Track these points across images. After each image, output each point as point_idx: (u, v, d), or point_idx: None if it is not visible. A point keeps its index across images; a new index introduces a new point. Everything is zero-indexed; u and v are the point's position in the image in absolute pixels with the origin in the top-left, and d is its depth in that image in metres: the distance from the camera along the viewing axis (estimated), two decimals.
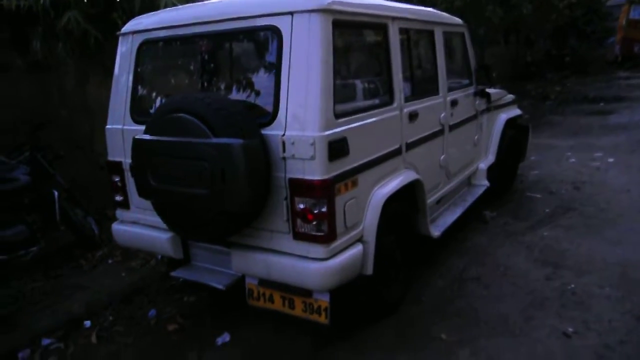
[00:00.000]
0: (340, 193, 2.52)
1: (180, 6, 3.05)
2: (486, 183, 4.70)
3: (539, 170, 6.29)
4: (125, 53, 3.09)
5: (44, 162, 4.20)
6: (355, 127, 2.62)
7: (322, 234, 2.46)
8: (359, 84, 3.13)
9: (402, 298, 3.34)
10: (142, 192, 2.69)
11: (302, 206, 2.46)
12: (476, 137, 4.57)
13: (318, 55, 2.39)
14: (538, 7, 12.84)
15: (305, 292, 2.64)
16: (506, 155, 5.20)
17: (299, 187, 2.45)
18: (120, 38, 3.13)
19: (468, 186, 4.72)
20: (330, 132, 2.42)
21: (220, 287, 2.88)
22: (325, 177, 2.41)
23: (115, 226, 3.30)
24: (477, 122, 4.57)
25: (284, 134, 2.44)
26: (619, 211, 4.67)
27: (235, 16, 2.63)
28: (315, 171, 2.40)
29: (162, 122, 2.54)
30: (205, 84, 2.95)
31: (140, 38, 3.02)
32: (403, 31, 3.21)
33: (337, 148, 2.47)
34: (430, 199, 3.68)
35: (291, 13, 2.44)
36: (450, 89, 3.94)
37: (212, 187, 2.37)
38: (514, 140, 5.40)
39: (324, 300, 2.62)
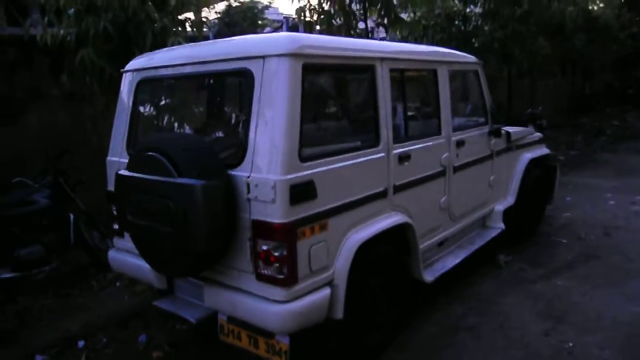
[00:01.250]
0: (304, 237, 2.50)
1: (176, 46, 3.19)
2: (501, 226, 4.50)
3: (572, 212, 5.95)
4: (125, 90, 3.26)
5: (66, 186, 4.47)
6: (326, 170, 2.60)
7: (282, 276, 2.45)
8: (337, 127, 3.12)
9: (387, 343, 3.24)
10: (121, 225, 2.81)
11: (263, 248, 2.47)
12: (492, 177, 4.40)
13: (284, 99, 2.42)
14: (595, 38, 12.32)
15: (268, 333, 2.62)
16: (529, 196, 4.96)
17: (261, 229, 2.46)
18: (123, 75, 3.32)
19: (482, 228, 4.54)
20: (293, 175, 2.43)
21: (192, 320, 2.92)
22: (286, 220, 2.41)
23: (111, 253, 3.44)
24: (493, 162, 4.41)
25: (249, 176, 2.47)
26: None
27: (215, 58, 2.72)
28: (276, 214, 2.41)
29: (139, 159, 2.65)
30: (189, 123, 3.05)
31: (138, 76, 3.19)
32: (395, 71, 3.19)
33: (301, 192, 2.47)
34: (428, 242, 3.58)
35: (263, 57, 2.50)
36: (457, 129, 3.84)
37: (175, 225, 2.43)
38: (540, 180, 5.15)
39: (284, 343, 2.59)
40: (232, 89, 2.90)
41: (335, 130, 3.03)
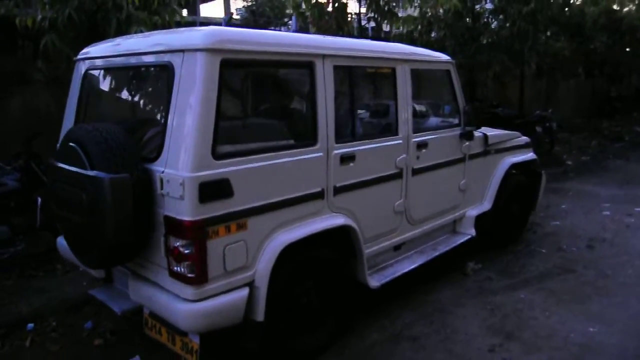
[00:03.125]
0: (217, 235, 2.44)
1: (118, 37, 3.16)
2: (471, 232, 4.34)
3: (562, 221, 5.71)
4: (75, 79, 3.25)
5: (38, 169, 4.53)
6: (246, 168, 2.53)
7: (192, 275, 2.40)
8: (266, 125, 3.02)
9: (323, 348, 3.16)
10: (47, 214, 2.81)
11: (174, 245, 2.42)
12: (463, 181, 4.24)
13: (198, 94, 2.36)
14: (619, 40, 11.79)
15: (182, 331, 2.59)
16: (509, 202, 4.78)
17: (172, 225, 2.42)
18: (75, 64, 3.31)
19: (452, 233, 4.39)
20: (204, 173, 2.36)
21: (117, 311, 2.91)
22: (194, 218, 2.35)
23: (59, 239, 3.46)
24: (465, 165, 4.24)
25: (163, 171, 2.43)
26: (623, 280, 4.10)
27: (144, 51, 2.68)
28: (184, 212, 2.36)
29: (63, 150, 2.64)
30: (120, 116, 3.02)
31: (85, 66, 3.17)
32: (342, 69, 3.08)
33: (213, 190, 2.40)
34: (379, 246, 3.48)
35: (183, 51, 2.44)
36: (420, 130, 3.70)
37: (86, 216, 2.42)
38: (522, 186, 4.95)
39: (195, 342, 2.54)
40: (158, 82, 2.85)
41: (262, 129, 2.94)
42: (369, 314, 3.57)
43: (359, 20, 6.37)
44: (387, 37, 8.88)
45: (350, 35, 6.24)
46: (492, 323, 3.46)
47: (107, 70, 3.05)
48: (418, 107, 3.86)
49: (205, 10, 23.59)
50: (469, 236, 4.31)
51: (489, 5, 8.58)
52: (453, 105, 4.15)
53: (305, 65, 2.86)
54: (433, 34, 8.26)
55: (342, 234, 3.11)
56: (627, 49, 13.56)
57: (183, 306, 2.43)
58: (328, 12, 6.16)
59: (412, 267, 3.68)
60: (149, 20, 4.13)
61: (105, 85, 3.19)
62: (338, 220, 3.04)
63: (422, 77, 3.88)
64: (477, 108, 9.85)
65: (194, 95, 2.36)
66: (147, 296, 2.65)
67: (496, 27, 7.97)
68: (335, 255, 3.11)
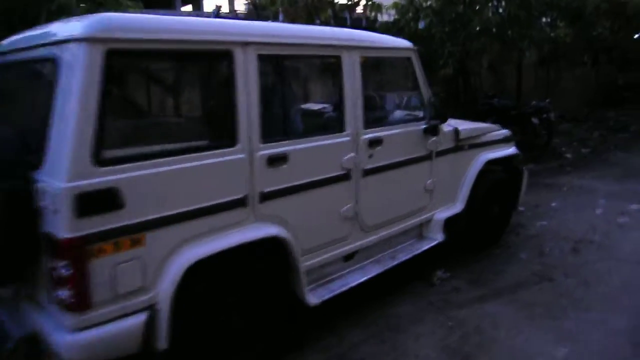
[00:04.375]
0: (103, 254, 2.10)
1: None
2: (438, 238, 3.94)
3: (550, 221, 5.29)
4: None
5: None
6: (140, 175, 2.18)
7: (72, 301, 2.07)
8: (171, 125, 2.67)
9: None
10: None
11: (51, 266, 2.09)
12: (429, 181, 3.85)
13: (77, 91, 2.02)
14: (624, 26, 11.21)
15: None
16: (486, 202, 4.39)
17: (49, 243, 2.09)
18: None
19: (418, 238, 4.00)
20: (83, 182, 2.02)
21: (14, 335, 2.59)
22: (71, 235, 2.01)
23: None
24: (432, 163, 3.85)
25: (40, 180, 2.09)
26: (605, 290, 3.69)
27: (36, 43, 2.34)
28: (59, 228, 2.02)
29: None
30: (13, 116, 2.69)
31: None
32: (270, 58, 2.71)
33: (96, 202, 2.06)
34: (323, 257, 3.12)
35: (65, 42, 2.10)
36: (373, 125, 3.32)
37: None
38: (501, 184, 4.54)
39: None
40: (47, 78, 2.50)
41: (164, 129, 2.59)
42: (316, 333, 3.21)
43: (333, 9, 5.97)
44: (372, 27, 8.45)
45: (325, 24, 5.84)
46: (448, 343, 3.09)
47: (7, 66, 2.71)
48: (373, 100, 3.46)
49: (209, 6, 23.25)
50: (436, 241, 3.92)
51: None
52: (416, 96, 3.75)
53: (221, 54, 2.49)
54: (421, 23, 7.81)
55: (273, 245, 2.76)
56: (636, 36, 12.93)
57: (64, 336, 2.11)
58: None
59: (365, 279, 3.32)
60: (86, 12, 3.78)
61: (8, 81, 2.85)
62: (266, 230, 2.69)
63: (378, 65, 3.50)
64: (473, 99, 9.46)
65: (73, 93, 2.02)
66: (35, 321, 2.33)
67: (487, 13, 7.51)
68: (265, 269, 2.76)
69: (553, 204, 5.89)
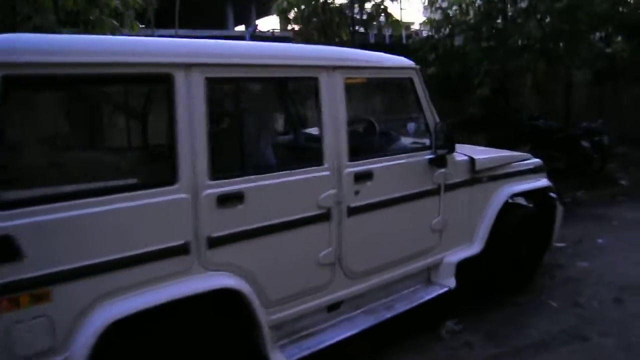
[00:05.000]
0: None
1: None
2: (450, 284, 3.40)
3: (592, 262, 4.58)
4: None
5: None
6: (44, 221, 1.87)
7: None
8: (85, 161, 2.33)
9: None
10: None
11: None
12: (437, 219, 3.34)
13: None
14: None
15: None
16: (510, 242, 3.81)
17: None
18: None
19: (425, 284, 3.48)
20: None
21: None
22: None
23: None
24: (441, 198, 3.35)
25: None
26: None
27: None
28: None
29: None
30: None
31: None
32: (221, 82, 2.35)
33: None
34: (297, 309, 2.69)
35: None
36: (362, 156, 2.89)
37: None
38: (530, 222, 3.95)
39: None
40: None
41: (80, 166, 2.26)
42: None
43: (353, 25, 5.59)
44: (399, 46, 8.02)
45: (342, 44, 5.46)
46: None
47: None
48: (363, 127, 3.03)
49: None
50: (445, 289, 3.39)
51: (524, 4, 7.48)
52: (419, 122, 3.29)
53: (158, 78, 2.16)
54: (458, 39, 7.28)
55: (228, 297, 2.37)
56: None
57: None
58: (318, 12, 5.40)
59: (350, 334, 2.85)
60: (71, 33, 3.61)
61: None
62: (215, 281, 2.30)
63: (371, 87, 3.07)
64: (516, 120, 8.74)
65: None
66: None
67: (527, 27, 6.87)
68: (217, 325, 2.37)
69: (599, 241, 5.15)
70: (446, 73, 7.17)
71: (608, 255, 4.73)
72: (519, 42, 6.97)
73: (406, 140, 3.36)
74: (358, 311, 3.05)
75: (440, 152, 3.22)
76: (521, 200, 4.02)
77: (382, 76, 3.10)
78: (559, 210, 4.19)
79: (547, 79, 8.14)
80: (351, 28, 5.54)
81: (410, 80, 3.15)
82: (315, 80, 2.66)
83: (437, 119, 3.25)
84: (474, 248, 3.63)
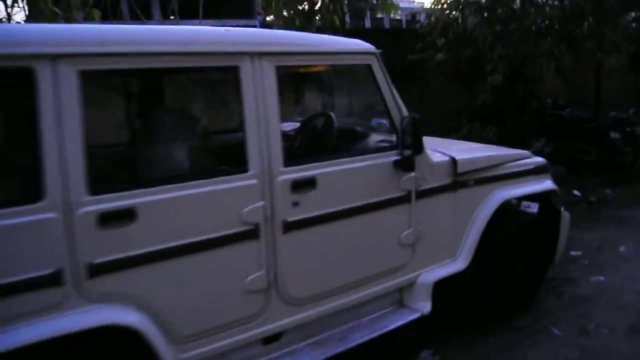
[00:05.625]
0: None
1: None
2: (423, 309, 2.88)
3: (610, 276, 3.96)
4: None
5: None
6: None
7: None
8: None
9: None
10: None
11: None
12: (407, 232, 2.83)
13: None
14: None
15: None
16: (503, 257, 3.26)
17: None
18: None
19: (397, 307, 2.97)
20: None
21: None
22: None
23: None
24: (413, 207, 2.83)
25: None
26: None
27: None
28: None
29: None
30: None
31: None
32: (100, 76, 1.91)
33: None
34: (219, 344, 2.24)
35: None
36: (302, 159, 2.42)
37: None
38: (529, 232, 3.38)
39: None
40: None
41: None
42: None
43: (342, 9, 5.05)
44: (394, 32, 7.41)
45: (330, 31, 4.91)
46: None
47: None
48: (305, 125, 2.54)
49: None
50: (417, 314, 2.87)
51: None
52: (380, 117, 2.77)
53: (15, 74, 1.74)
54: (472, 19, 6.60)
55: (122, 334, 1.95)
56: None
57: None
58: None
59: None
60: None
61: None
62: (99, 316, 1.88)
63: (316, 76, 2.58)
64: (535, 109, 8.00)
65: None
66: None
67: (544, 6, 6.16)
68: None
69: (621, 249, 4.49)
70: (456, 59, 6.55)
71: (629, 268, 4.08)
72: (538, 24, 6.25)
73: (369, 139, 2.85)
74: (304, 343, 2.58)
75: (407, 152, 2.69)
76: (527, 206, 3.47)
77: (331, 63, 2.58)
78: (565, 217, 3.59)
79: (575, 64, 7.37)
80: (342, 13, 5.03)
81: (369, 67, 2.62)
82: (235, 69, 2.18)
83: (405, 113, 2.72)
84: (458, 264, 3.09)
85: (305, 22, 4.54)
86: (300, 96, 2.75)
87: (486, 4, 6.43)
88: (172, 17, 4.97)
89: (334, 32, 5.07)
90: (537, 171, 3.51)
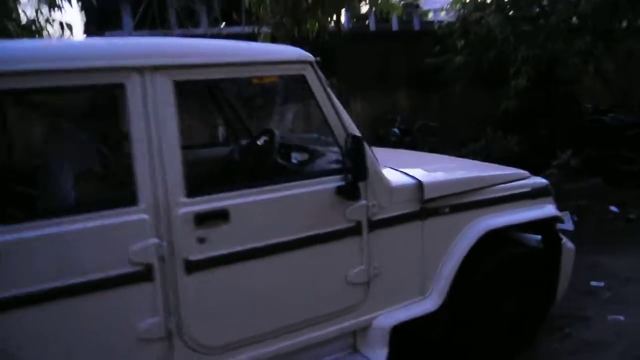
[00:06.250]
0: None
1: None
2: (378, 358, 2.46)
3: (632, 315, 3.34)
4: None
5: None
6: None
7: None
8: None
9: None
10: None
11: None
12: (357, 269, 2.41)
13: None
14: None
15: None
16: (486, 295, 2.78)
17: None
18: None
19: (350, 354, 2.56)
20: None
21: None
22: None
23: None
24: (364, 241, 2.41)
25: None
26: None
27: None
28: None
29: None
30: None
31: None
32: None
33: None
34: None
35: None
36: (212, 188, 2.07)
37: None
38: (520, 266, 2.87)
39: None
40: None
41: None
42: None
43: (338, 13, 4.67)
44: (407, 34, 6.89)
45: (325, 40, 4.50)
46: None
47: None
48: (228, 144, 2.20)
49: None
50: None
51: None
52: (319, 137, 2.38)
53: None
54: (493, 17, 6.01)
55: None
56: None
57: None
58: None
59: None
60: None
61: None
62: None
63: (237, 90, 2.22)
64: (576, 114, 7.22)
65: None
66: None
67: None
68: None
69: None
70: (478, 62, 5.99)
71: None
72: (569, 21, 5.56)
73: (308, 162, 2.46)
74: None
75: (351, 178, 2.27)
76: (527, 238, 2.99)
77: (250, 75, 2.21)
78: (568, 250, 3.03)
79: (617, 65, 6.59)
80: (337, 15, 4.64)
81: (303, 78, 2.23)
82: (121, 87, 1.86)
83: (352, 130, 2.31)
84: (427, 304, 2.63)
85: (293, 26, 4.19)
86: (218, 115, 2.42)
87: (509, 1, 5.83)
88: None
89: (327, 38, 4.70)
90: (535, 195, 2.98)
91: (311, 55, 2.24)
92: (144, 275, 1.93)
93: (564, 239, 3.01)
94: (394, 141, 5.88)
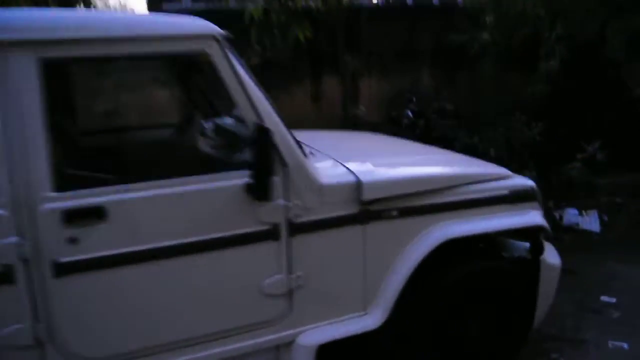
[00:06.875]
0: None
1: None
2: None
3: (636, 344, 2.82)
4: None
5: None
6: None
7: None
8: None
9: None
10: None
11: None
12: (273, 278, 2.11)
13: None
14: None
15: None
16: (441, 315, 2.40)
17: None
18: None
19: None
20: None
21: None
22: None
23: None
24: (282, 246, 2.10)
25: None
26: None
27: None
28: None
29: None
30: None
31: None
32: None
33: None
34: None
35: None
36: (88, 181, 1.83)
37: None
38: (485, 283, 2.46)
39: None
40: None
41: None
42: None
43: None
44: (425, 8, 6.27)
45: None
46: None
47: None
48: (109, 131, 1.94)
49: None
50: None
51: None
52: (226, 124, 2.06)
53: None
54: None
55: None
56: None
57: None
58: None
59: None
60: None
61: None
62: None
63: (126, 69, 1.95)
64: (629, 101, 6.34)
65: None
66: None
67: None
68: None
69: None
70: (508, 40, 5.35)
71: None
72: None
73: (211, 154, 2.15)
74: None
75: (258, 175, 1.94)
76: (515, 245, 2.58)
77: (135, 51, 1.90)
78: (549, 266, 2.55)
79: None
80: None
81: (206, 55, 1.92)
82: None
83: (264, 118, 1.98)
84: (367, 321, 2.30)
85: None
86: (100, 97, 2.15)
87: None
88: None
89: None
90: (513, 199, 2.52)
91: (217, 28, 1.92)
92: (5, 277, 1.73)
93: (547, 253, 2.54)
94: (406, 124, 5.41)
